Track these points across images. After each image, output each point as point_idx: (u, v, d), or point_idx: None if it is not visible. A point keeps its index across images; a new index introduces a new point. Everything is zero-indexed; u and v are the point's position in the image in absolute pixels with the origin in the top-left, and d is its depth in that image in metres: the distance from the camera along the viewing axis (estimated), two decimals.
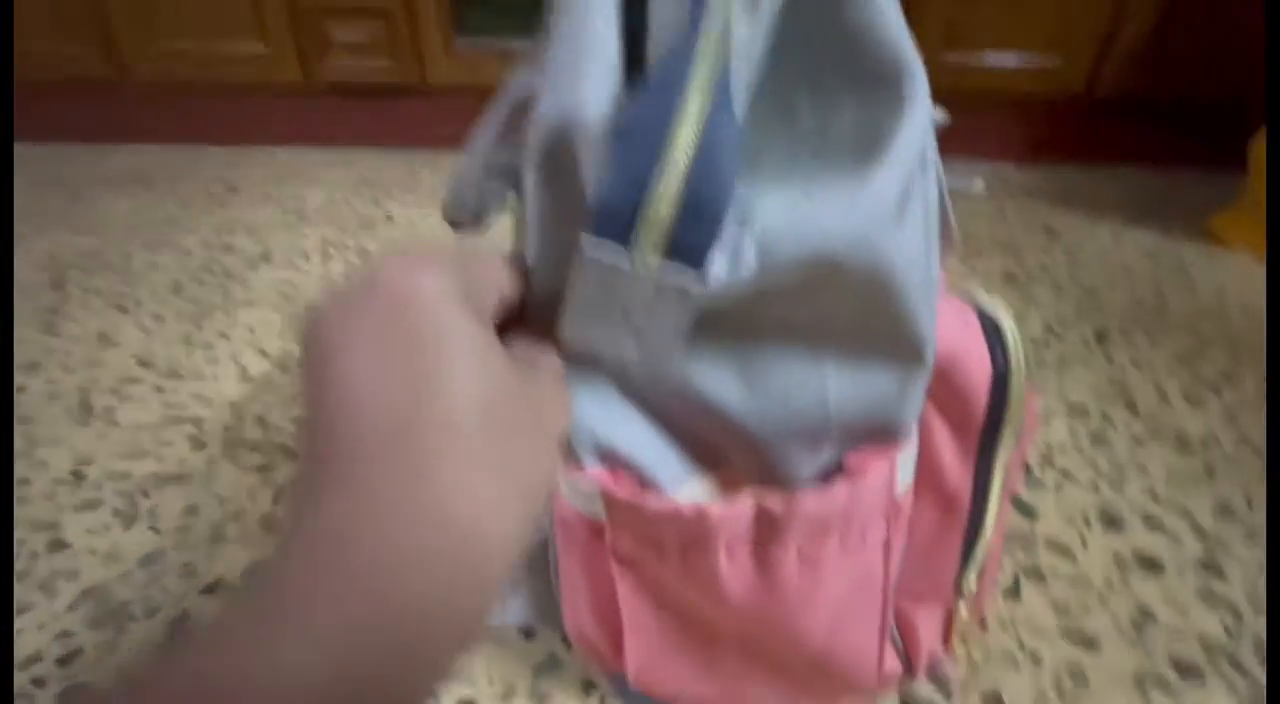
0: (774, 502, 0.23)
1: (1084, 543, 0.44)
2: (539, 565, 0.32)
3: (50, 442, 0.53)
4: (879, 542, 0.25)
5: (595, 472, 0.24)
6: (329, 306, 0.15)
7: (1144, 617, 0.39)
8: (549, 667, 0.35)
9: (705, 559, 0.24)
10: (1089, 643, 0.37)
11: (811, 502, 0.23)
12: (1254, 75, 1.15)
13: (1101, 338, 0.68)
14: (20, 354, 0.64)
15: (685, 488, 0.25)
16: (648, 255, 0.16)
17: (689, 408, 0.23)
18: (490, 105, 0.24)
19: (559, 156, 0.18)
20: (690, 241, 0.16)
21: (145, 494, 0.48)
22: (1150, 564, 0.42)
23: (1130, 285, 0.80)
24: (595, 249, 0.17)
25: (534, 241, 0.20)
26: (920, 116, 0.18)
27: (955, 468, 0.26)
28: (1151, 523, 0.45)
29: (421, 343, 0.15)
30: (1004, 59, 1.19)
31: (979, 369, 0.24)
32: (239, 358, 0.65)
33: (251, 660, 0.11)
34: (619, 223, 0.16)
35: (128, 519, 0.46)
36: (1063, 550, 0.43)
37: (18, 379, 0.61)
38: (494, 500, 0.14)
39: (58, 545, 0.44)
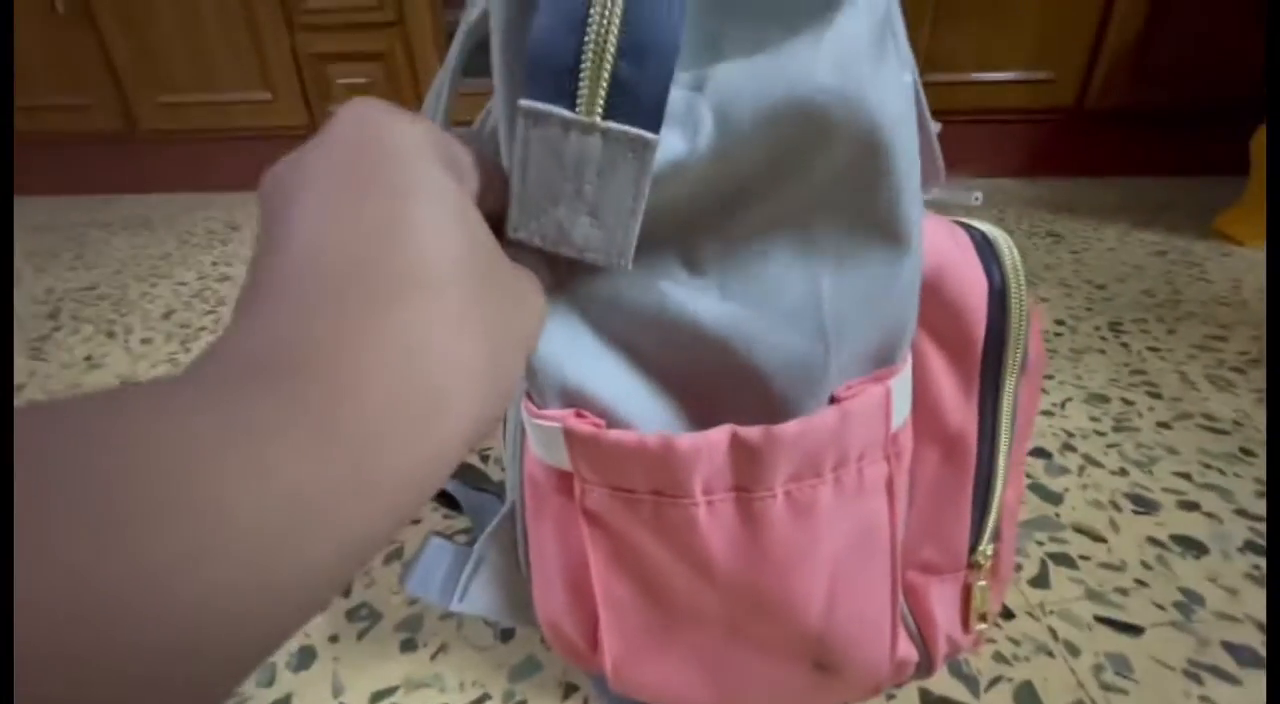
0: (752, 431, 0.20)
1: (1114, 527, 0.40)
2: (506, 544, 0.29)
3: None
4: (880, 483, 0.22)
5: (558, 411, 0.22)
6: (289, 156, 0.14)
7: (1190, 601, 0.35)
8: (526, 670, 0.32)
9: (681, 509, 0.22)
10: (1130, 630, 0.33)
11: (794, 430, 0.20)
12: (1244, 76, 1.15)
13: (1116, 328, 0.66)
14: None
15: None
16: (593, 108, 0.15)
17: (671, 340, 0.20)
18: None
19: (519, 16, 0.17)
20: (638, 89, 0.15)
21: None
22: (1191, 545, 0.38)
23: (1141, 280, 0.78)
24: (535, 108, 0.15)
25: (504, 137, 0.18)
26: None
27: (957, 404, 0.24)
28: (1187, 504, 0.41)
29: (390, 185, 0.13)
30: (992, 75, 1.21)
31: (973, 283, 0.22)
32: None
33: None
34: (558, 76, 0.15)
35: None
36: (1092, 535, 0.39)
37: None
38: (462, 360, 0.12)
39: None
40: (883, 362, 0.21)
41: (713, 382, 0.21)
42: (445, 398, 0.12)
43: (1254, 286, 0.75)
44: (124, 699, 0.07)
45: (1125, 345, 0.62)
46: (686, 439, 0.20)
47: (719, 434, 0.20)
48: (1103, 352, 0.61)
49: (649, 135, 0.15)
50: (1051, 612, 0.34)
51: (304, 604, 0.09)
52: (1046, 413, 0.52)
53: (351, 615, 0.35)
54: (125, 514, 0.07)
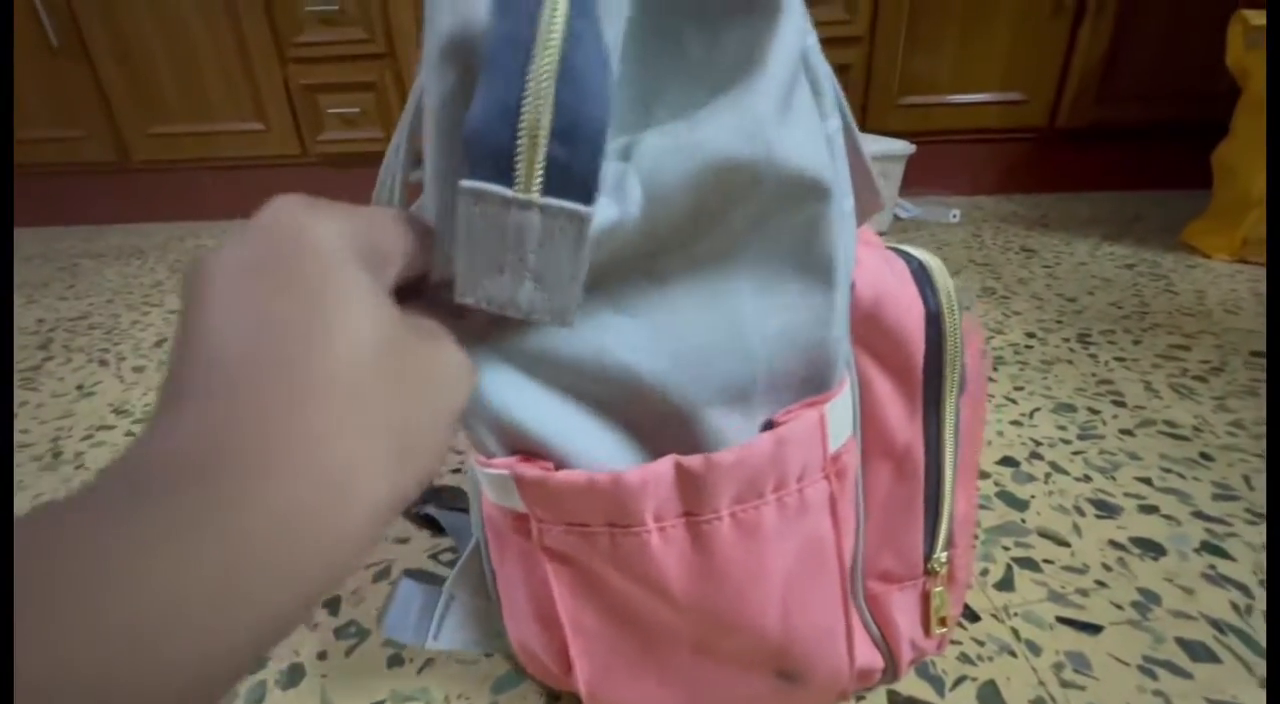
0: (694, 460, 0.22)
1: (1077, 531, 0.41)
2: (475, 580, 0.30)
3: (15, 488, 0.52)
4: (823, 502, 0.24)
5: (504, 460, 0.23)
6: (212, 249, 0.15)
7: (1147, 600, 0.36)
8: (509, 682, 0.33)
9: (635, 538, 0.23)
10: (1089, 629, 0.35)
11: (732, 456, 0.22)
12: (1205, 95, 1.19)
13: (1084, 340, 0.68)
14: None
15: None
16: (531, 186, 0.16)
17: (609, 385, 0.21)
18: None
19: (455, 94, 0.18)
20: (571, 168, 0.16)
21: None
22: (1150, 547, 0.40)
23: (1109, 293, 0.80)
24: (476, 188, 0.16)
25: (434, 201, 0.19)
26: (794, 18, 0.18)
27: (902, 423, 0.25)
28: (1147, 508, 0.43)
29: (303, 283, 0.13)
30: (968, 97, 1.24)
31: (909, 309, 0.24)
32: None
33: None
34: (496, 158, 0.16)
35: None
36: (1056, 539, 0.41)
37: None
38: (367, 459, 0.13)
39: None
40: (816, 388, 0.23)
41: (654, 416, 0.22)
42: (349, 490, 0.13)
43: (1217, 297, 0.78)
44: None
45: (1093, 356, 0.64)
46: (634, 474, 0.21)
47: (664, 465, 0.22)
48: (1071, 362, 0.63)
49: (584, 209, 0.16)
50: (1015, 614, 0.36)
51: (220, 678, 0.11)
52: (1015, 422, 0.54)
53: (340, 633, 0.36)
54: (33, 619, 0.09)
